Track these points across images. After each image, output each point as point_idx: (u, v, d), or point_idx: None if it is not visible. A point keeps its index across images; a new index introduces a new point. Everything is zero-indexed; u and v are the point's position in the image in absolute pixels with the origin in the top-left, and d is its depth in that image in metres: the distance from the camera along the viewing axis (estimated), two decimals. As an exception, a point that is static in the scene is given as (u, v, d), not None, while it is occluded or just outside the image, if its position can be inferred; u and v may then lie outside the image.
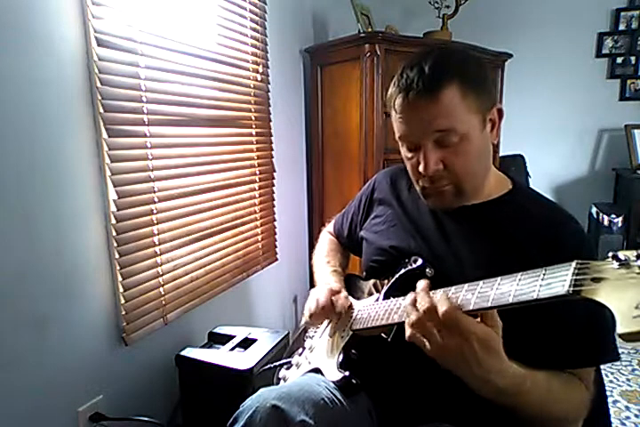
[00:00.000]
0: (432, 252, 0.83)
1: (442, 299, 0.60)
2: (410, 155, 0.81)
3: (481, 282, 0.60)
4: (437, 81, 0.72)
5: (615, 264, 0.46)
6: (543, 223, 0.76)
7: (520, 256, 0.73)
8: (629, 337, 0.40)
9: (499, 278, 0.58)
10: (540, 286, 0.52)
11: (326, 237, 1.21)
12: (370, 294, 0.92)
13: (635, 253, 0.45)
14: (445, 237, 0.83)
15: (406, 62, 0.77)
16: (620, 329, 0.41)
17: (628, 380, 1.95)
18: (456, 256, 0.80)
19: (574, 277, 0.48)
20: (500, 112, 0.80)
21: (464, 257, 0.79)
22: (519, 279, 0.55)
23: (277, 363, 1.05)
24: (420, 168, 0.77)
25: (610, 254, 0.47)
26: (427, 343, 0.61)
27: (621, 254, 0.46)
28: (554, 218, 0.78)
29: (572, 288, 0.48)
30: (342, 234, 1.14)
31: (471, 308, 0.58)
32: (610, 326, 0.71)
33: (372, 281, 0.93)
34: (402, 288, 0.75)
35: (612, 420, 1.61)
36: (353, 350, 0.86)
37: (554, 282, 0.50)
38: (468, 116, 0.74)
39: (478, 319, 0.60)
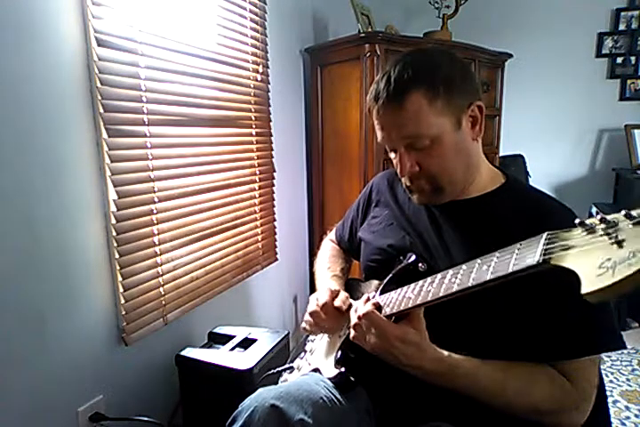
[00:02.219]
0: (426, 247, 0.84)
1: (365, 305, 0.74)
2: (392, 156, 0.85)
3: (463, 265, 0.63)
4: (401, 89, 0.76)
5: (582, 231, 0.48)
6: (534, 214, 0.76)
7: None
8: (594, 296, 0.42)
9: (478, 259, 0.61)
10: (515, 259, 0.54)
11: (328, 245, 1.22)
12: None
13: (599, 217, 0.47)
14: (438, 232, 0.84)
15: (381, 71, 0.81)
16: (584, 289, 0.42)
17: (628, 380, 1.95)
18: (447, 250, 0.81)
19: (544, 247, 0.50)
20: (481, 108, 0.81)
21: (455, 251, 0.80)
22: (497, 257, 0.58)
23: (280, 368, 1.05)
24: (398, 170, 0.82)
25: (577, 221, 0.49)
26: (365, 343, 0.73)
27: (587, 221, 0.48)
28: (544, 208, 0.79)
29: (542, 257, 0.49)
30: (343, 239, 1.15)
31: (454, 290, 0.61)
32: (598, 319, 0.72)
33: (373, 282, 0.94)
34: (398, 284, 0.76)
35: (612, 420, 1.61)
36: (351, 349, 0.87)
37: (527, 254, 0.52)
38: (437, 119, 0.76)
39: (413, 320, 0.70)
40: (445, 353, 0.71)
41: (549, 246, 0.50)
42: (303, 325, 0.96)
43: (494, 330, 0.75)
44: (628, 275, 0.39)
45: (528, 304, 0.71)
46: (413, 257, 0.82)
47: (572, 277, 0.44)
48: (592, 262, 0.44)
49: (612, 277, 0.41)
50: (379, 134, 0.83)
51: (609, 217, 0.46)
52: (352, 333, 0.76)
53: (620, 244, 0.43)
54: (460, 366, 0.70)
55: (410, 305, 0.68)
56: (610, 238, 0.44)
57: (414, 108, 0.75)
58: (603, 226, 0.46)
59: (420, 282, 0.70)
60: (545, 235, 0.52)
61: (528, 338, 0.73)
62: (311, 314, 0.92)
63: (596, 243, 0.45)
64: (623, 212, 0.45)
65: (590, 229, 0.47)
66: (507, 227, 0.76)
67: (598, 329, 0.72)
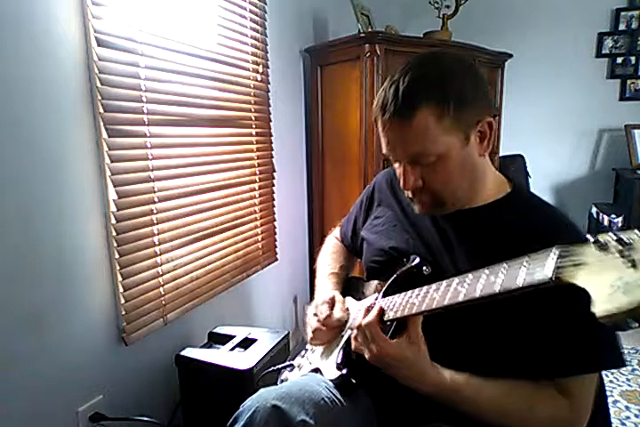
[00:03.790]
0: (430, 252, 0.83)
1: (369, 315, 0.74)
2: (396, 166, 0.82)
3: (469, 274, 0.62)
4: (410, 105, 0.72)
5: (595, 248, 0.46)
6: (537, 225, 0.75)
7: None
8: (607, 318, 0.41)
9: (485, 269, 0.59)
10: (526, 273, 0.52)
11: (331, 241, 1.22)
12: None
13: (614, 236, 0.46)
14: (443, 239, 0.83)
15: (390, 76, 0.77)
16: (597, 311, 0.41)
17: (628, 380, 1.95)
18: (451, 256, 0.80)
19: (557, 265, 0.49)
20: (491, 125, 0.77)
21: (458, 257, 0.79)
22: (505, 268, 0.56)
23: (280, 366, 1.05)
24: (401, 183, 0.80)
25: (591, 239, 0.47)
26: (364, 353, 0.73)
27: (601, 238, 0.46)
28: (551, 223, 0.77)
29: (554, 274, 0.48)
30: (347, 237, 1.15)
31: (460, 300, 0.60)
32: (600, 336, 0.70)
33: (375, 282, 0.93)
34: (401, 287, 0.76)
35: (612, 420, 1.61)
36: (352, 350, 0.87)
37: (537, 269, 0.51)
38: (444, 137, 0.73)
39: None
40: (446, 375, 0.70)
41: (561, 262, 0.48)
42: (308, 339, 0.96)
43: (495, 342, 0.74)
44: None
45: (531, 317, 0.70)
46: (417, 260, 0.81)
47: (577, 292, 0.43)
48: (606, 282, 0.42)
49: (626, 299, 0.40)
50: (384, 147, 0.80)
51: (624, 236, 0.45)
52: (353, 344, 0.77)
53: (635, 265, 0.42)
54: (459, 390, 0.70)
55: (414, 311, 0.67)
56: (625, 259, 0.43)
57: (422, 126, 0.72)
58: (616, 244, 0.45)
59: (425, 288, 0.69)
60: (556, 250, 0.50)
61: (529, 352, 0.72)
62: (314, 332, 0.93)
63: (610, 262, 0.44)
64: (637, 231, 0.44)
65: (603, 247, 0.46)
66: (510, 237, 0.74)
67: (600, 346, 0.71)
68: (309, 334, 0.94)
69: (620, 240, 0.45)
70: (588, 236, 0.48)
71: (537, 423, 0.71)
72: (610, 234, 0.46)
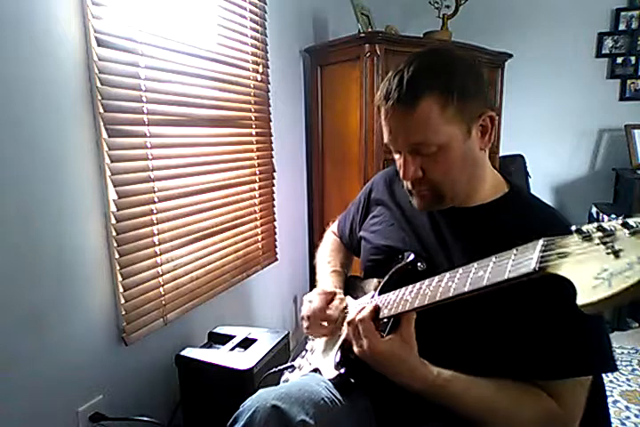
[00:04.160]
0: (425, 249, 0.84)
1: (364, 310, 0.73)
2: (396, 157, 0.83)
3: (460, 269, 0.62)
4: (414, 93, 0.72)
5: (578, 238, 0.46)
6: (533, 225, 0.75)
7: None
8: (589, 308, 0.41)
9: (475, 264, 0.60)
10: (512, 266, 0.53)
11: (330, 237, 1.22)
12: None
13: (595, 224, 0.46)
14: (439, 237, 0.84)
15: (396, 66, 0.77)
16: (579, 300, 0.41)
17: (628, 380, 1.95)
18: (447, 254, 0.81)
19: (541, 255, 0.49)
20: (493, 119, 0.78)
21: (455, 255, 0.79)
22: (493, 262, 0.57)
23: (282, 367, 1.05)
24: (400, 173, 0.80)
25: (573, 228, 0.47)
26: (354, 345, 0.73)
27: (584, 228, 0.46)
28: (549, 223, 0.77)
29: (538, 265, 0.48)
30: (344, 234, 1.15)
31: (450, 295, 0.60)
32: (591, 339, 0.71)
33: (374, 281, 0.94)
34: (397, 284, 0.76)
35: (612, 420, 1.61)
36: (350, 350, 0.87)
37: (523, 261, 0.51)
38: (447, 127, 0.73)
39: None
40: (435, 372, 0.70)
41: (546, 253, 0.49)
42: (304, 327, 0.96)
43: (486, 341, 0.74)
44: (624, 288, 0.38)
45: (521, 316, 0.70)
46: (412, 256, 0.81)
47: (567, 288, 0.43)
48: (588, 272, 0.42)
49: (608, 289, 0.39)
50: (385, 136, 0.80)
51: (606, 225, 0.44)
52: (344, 330, 0.77)
53: (616, 254, 0.42)
54: (448, 387, 0.70)
55: (407, 308, 0.68)
56: (607, 248, 0.43)
57: (425, 115, 0.72)
58: (599, 234, 0.44)
59: (418, 284, 0.69)
60: (541, 241, 0.51)
61: (518, 353, 0.72)
62: (308, 317, 0.93)
63: (593, 252, 0.44)
64: (620, 220, 0.44)
65: (587, 237, 0.45)
66: (507, 235, 0.73)
67: (591, 350, 0.71)
68: (304, 321, 0.94)
69: (602, 229, 0.44)
70: (573, 227, 0.47)
71: (524, 423, 0.71)
72: (593, 224, 0.46)
